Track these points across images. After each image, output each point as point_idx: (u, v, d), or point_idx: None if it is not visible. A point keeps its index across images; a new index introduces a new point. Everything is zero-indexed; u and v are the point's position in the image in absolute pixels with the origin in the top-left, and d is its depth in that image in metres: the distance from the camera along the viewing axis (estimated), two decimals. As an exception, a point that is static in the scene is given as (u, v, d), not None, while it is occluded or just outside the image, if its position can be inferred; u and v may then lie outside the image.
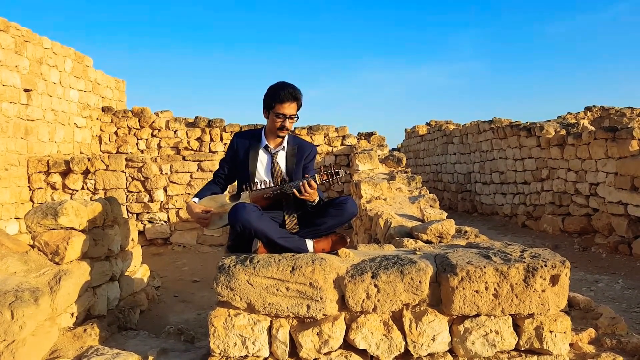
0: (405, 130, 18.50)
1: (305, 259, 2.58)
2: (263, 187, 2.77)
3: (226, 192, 3.05)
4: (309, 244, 2.76)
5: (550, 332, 2.51)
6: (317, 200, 2.77)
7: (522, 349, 2.56)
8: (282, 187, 2.71)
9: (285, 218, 2.84)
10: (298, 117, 2.89)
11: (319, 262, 2.56)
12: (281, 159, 2.94)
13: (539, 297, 2.51)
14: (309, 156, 3.00)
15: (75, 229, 3.39)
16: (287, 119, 2.81)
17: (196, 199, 2.91)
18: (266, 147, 2.92)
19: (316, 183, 2.65)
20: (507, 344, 2.53)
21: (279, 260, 2.58)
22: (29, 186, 7.74)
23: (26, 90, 7.72)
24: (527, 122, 10.63)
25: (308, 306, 2.54)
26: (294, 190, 2.66)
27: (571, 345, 3.28)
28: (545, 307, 2.52)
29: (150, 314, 4.59)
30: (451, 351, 2.58)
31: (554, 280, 2.51)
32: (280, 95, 2.79)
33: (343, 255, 2.80)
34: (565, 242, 8.43)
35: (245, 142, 2.96)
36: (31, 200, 7.75)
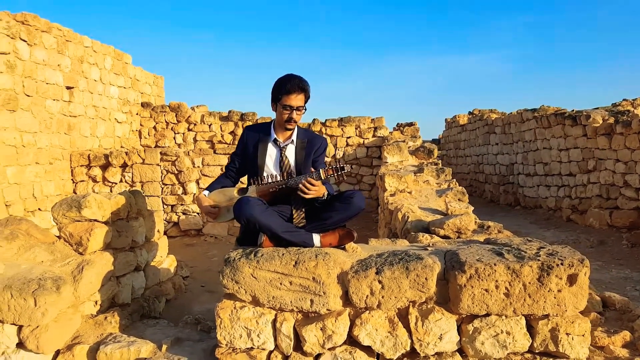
0: (446, 120, 18.04)
1: (308, 253, 2.56)
2: (270, 181, 2.76)
3: (237, 186, 3.06)
4: (316, 238, 2.73)
5: (567, 334, 2.37)
6: (325, 195, 2.72)
7: (537, 351, 2.43)
8: (287, 181, 2.69)
9: (293, 212, 2.81)
10: (306, 109, 2.84)
11: (323, 256, 2.53)
12: (290, 152, 2.90)
13: (555, 298, 2.37)
14: (318, 150, 2.96)
15: (98, 221, 3.50)
16: (295, 111, 2.77)
17: (206, 192, 2.93)
18: (275, 141, 2.89)
19: (320, 179, 2.61)
20: (520, 346, 2.42)
21: (283, 254, 2.57)
22: (72, 179, 8.11)
23: (68, 88, 8.07)
24: (573, 110, 10.12)
25: (311, 301, 2.52)
26: (300, 186, 2.63)
27: (602, 348, 3.11)
28: (561, 308, 2.38)
29: (176, 303, 4.70)
30: (461, 351, 2.50)
31: (572, 279, 2.36)
32: (286, 86, 2.75)
33: (350, 249, 2.75)
34: (612, 237, 7.99)
35: (255, 136, 2.94)
36: (74, 192, 8.12)
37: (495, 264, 2.40)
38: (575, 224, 9.42)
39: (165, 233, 8.35)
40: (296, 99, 2.76)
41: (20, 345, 2.77)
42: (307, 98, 2.82)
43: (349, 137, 10.71)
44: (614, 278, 5.88)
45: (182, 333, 3.27)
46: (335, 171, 2.59)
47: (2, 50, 6.55)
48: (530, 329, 2.44)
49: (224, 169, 3.13)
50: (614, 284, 5.60)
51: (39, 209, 7.19)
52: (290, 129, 2.87)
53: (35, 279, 2.90)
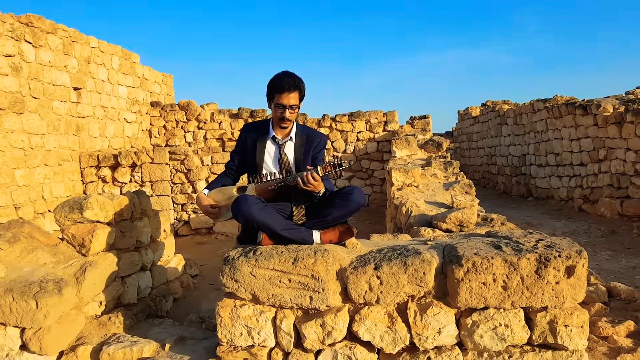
0: (458, 112, 17.86)
1: (307, 250, 2.56)
2: (269, 178, 2.75)
3: (237, 184, 3.06)
4: (316, 235, 2.72)
5: (565, 326, 2.35)
6: (322, 192, 2.71)
7: (535, 343, 2.41)
8: (285, 179, 2.68)
9: (293, 209, 2.81)
10: (299, 108, 2.83)
11: (321, 253, 2.53)
12: (289, 149, 2.89)
13: (553, 290, 2.35)
14: (318, 146, 2.94)
15: (100, 222, 3.53)
16: (287, 110, 2.74)
17: (206, 191, 2.93)
18: (274, 138, 2.88)
19: (319, 175, 2.59)
20: (519, 338, 2.40)
21: (281, 252, 2.57)
22: (81, 180, 8.21)
23: (76, 89, 8.15)
24: (584, 100, 9.96)
25: (311, 297, 2.52)
26: (298, 179, 2.62)
27: (606, 338, 3.08)
28: (559, 300, 2.35)
29: (185, 301, 4.74)
30: (460, 345, 2.48)
31: (570, 271, 2.34)
32: (279, 85, 2.73)
33: (350, 246, 2.75)
34: (623, 226, 7.87)
35: (254, 134, 2.93)
36: (84, 193, 8.22)
37: (492, 257, 2.38)
38: (587, 213, 9.31)
39: (176, 232, 8.43)
40: (288, 98, 2.73)
41: (24, 347, 2.81)
42: (301, 96, 2.79)
43: (360, 132, 10.68)
44: (624, 267, 5.80)
45: (186, 332, 3.29)
46: (333, 167, 2.58)
47: (7, 52, 6.63)
48: (529, 322, 2.43)
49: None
50: (624, 273, 5.53)
51: (49, 210, 7.29)
52: (285, 127, 2.85)
53: (36, 281, 2.92)
